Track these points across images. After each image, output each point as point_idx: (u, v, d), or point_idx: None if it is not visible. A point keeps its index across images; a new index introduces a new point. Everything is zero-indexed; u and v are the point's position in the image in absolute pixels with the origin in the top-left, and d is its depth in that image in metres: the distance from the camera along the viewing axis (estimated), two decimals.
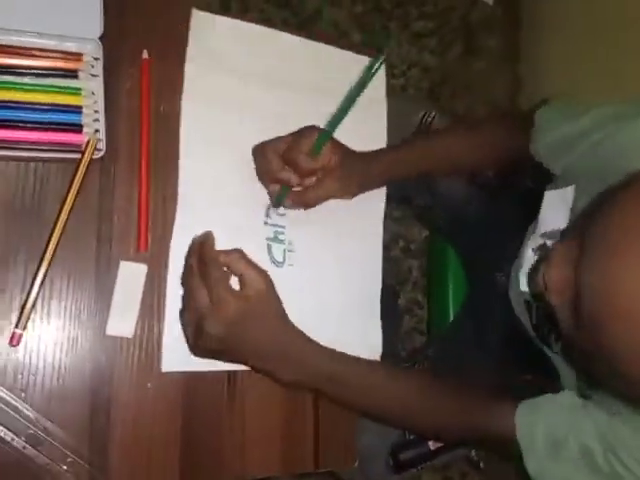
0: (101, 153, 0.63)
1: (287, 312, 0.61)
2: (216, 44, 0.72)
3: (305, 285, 0.72)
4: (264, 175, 0.70)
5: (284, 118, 0.74)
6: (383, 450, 0.75)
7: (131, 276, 0.61)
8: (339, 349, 0.63)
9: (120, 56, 0.67)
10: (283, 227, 0.73)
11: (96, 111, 0.63)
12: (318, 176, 0.69)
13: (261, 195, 0.71)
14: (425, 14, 1.77)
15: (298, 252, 0.73)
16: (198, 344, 0.59)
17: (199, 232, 0.60)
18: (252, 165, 0.71)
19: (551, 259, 0.45)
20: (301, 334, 0.62)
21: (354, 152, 0.72)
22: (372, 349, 0.75)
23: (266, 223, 0.72)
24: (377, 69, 0.58)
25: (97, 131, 0.63)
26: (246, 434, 0.66)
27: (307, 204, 0.71)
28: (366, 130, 0.80)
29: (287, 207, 0.71)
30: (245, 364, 0.62)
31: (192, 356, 0.62)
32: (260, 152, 0.69)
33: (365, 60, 0.81)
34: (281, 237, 0.72)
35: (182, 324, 0.61)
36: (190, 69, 0.70)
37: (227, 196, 0.70)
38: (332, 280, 0.75)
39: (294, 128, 0.69)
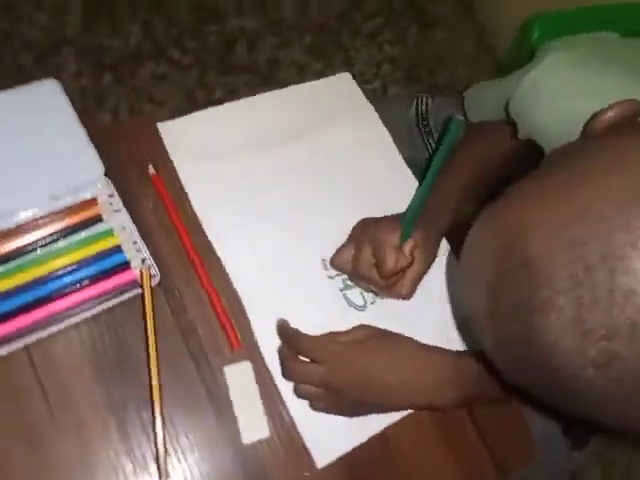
0: (157, 278, 0.62)
1: None
2: (194, 142, 0.72)
3: (397, 315, 0.68)
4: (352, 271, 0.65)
5: (298, 168, 0.73)
6: (557, 431, 0.70)
7: (240, 377, 0.59)
8: None
9: (129, 182, 0.67)
10: None
11: (135, 242, 0.62)
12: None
13: (311, 254, 0.69)
14: (369, 14, 1.78)
15: None
16: (342, 407, 0.58)
17: (274, 315, 0.63)
18: (286, 231, 0.69)
19: None
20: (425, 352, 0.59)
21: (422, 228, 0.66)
22: None
23: (331, 277, 0.69)
24: (456, 133, 0.53)
25: (144, 260, 0.62)
26: None
27: (408, 296, 0.65)
28: (372, 146, 0.78)
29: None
30: (400, 404, 0.60)
31: (340, 438, 0.60)
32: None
33: (335, 79, 0.81)
34: (351, 282, 0.69)
35: (311, 406, 0.60)
36: (183, 174, 0.70)
37: (279, 272, 0.68)
38: (423, 301, 0.70)
39: (312, 172, 0.69)
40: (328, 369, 0.57)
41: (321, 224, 0.71)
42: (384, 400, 0.58)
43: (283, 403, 0.61)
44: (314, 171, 0.74)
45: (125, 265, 0.62)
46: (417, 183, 0.76)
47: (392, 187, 0.75)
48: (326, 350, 0.58)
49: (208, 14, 1.65)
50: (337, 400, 0.58)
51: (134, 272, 0.62)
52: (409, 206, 0.62)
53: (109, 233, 0.63)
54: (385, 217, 0.67)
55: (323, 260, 0.69)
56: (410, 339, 0.60)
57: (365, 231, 0.65)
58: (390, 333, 0.61)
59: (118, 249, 0.63)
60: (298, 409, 0.61)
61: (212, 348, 0.61)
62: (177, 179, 0.69)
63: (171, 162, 0.70)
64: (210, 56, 1.57)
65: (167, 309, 0.62)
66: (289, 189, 0.72)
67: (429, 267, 0.66)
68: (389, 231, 0.62)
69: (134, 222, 0.63)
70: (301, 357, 0.59)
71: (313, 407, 0.60)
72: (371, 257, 0.63)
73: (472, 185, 0.71)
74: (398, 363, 0.58)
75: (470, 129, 0.74)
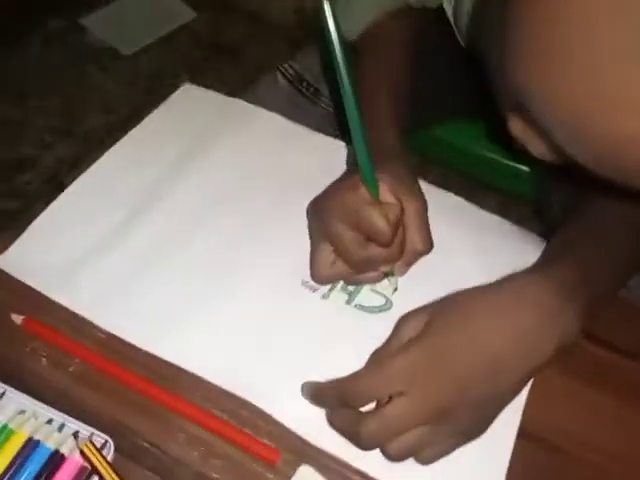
0: (110, 446, 0.40)
1: None
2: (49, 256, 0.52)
3: (434, 282, 0.48)
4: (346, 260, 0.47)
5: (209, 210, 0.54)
6: None
7: None
8: None
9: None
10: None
11: (49, 420, 0.40)
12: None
13: (290, 286, 0.50)
14: None
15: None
16: (459, 430, 0.39)
17: (291, 388, 0.43)
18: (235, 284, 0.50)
19: None
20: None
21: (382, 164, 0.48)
22: None
23: (325, 297, 0.49)
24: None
25: (76, 435, 0.40)
26: None
27: (427, 246, 0.47)
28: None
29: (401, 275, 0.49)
30: (523, 368, 0.40)
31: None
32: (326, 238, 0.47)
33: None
34: (351, 287, 0.50)
35: (421, 460, 0.40)
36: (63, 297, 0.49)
37: (267, 334, 0.47)
38: (452, 245, 0.53)
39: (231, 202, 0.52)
40: (415, 394, 0.37)
41: (277, 247, 0.52)
42: (501, 379, 0.39)
43: None
44: (234, 199, 0.55)
45: (58, 457, 0.39)
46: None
47: (327, 165, 0.57)
48: (392, 375, 0.38)
49: None
50: (449, 425, 0.38)
51: (75, 459, 0.39)
52: (355, 149, 0.43)
53: (8, 431, 0.40)
54: (330, 186, 0.49)
55: (304, 282, 0.50)
56: (472, 289, 0.42)
57: (323, 213, 0.47)
58: (441, 302, 0.42)
59: (34, 443, 0.40)
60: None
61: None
62: (58, 309, 0.47)
63: (39, 295, 0.48)
64: None
65: (149, 475, 0.40)
66: (212, 251, 0.52)
67: (424, 201, 0.48)
68: (351, 192, 0.44)
69: (31, 394, 0.41)
70: (364, 410, 0.39)
71: (425, 459, 0.39)
72: (354, 235, 0.44)
73: (397, 88, 0.56)
74: (488, 324, 0.39)
75: (364, 39, 0.59)
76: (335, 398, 0.40)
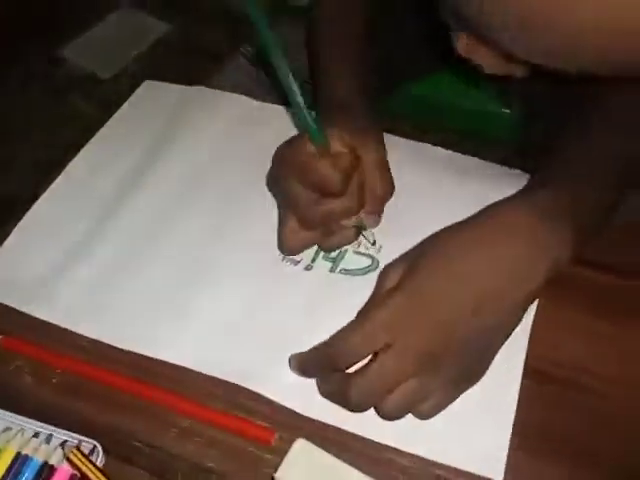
0: (99, 452, 0.38)
1: None
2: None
3: (418, 225, 0.44)
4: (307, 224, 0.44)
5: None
6: None
7: (308, 464, 0.35)
8: None
9: None
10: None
11: (36, 434, 0.39)
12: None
13: (268, 261, 0.48)
14: None
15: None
16: (451, 377, 0.37)
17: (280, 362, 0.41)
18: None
19: None
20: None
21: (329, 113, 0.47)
22: None
23: (308, 268, 0.47)
24: None
25: (63, 445, 0.38)
26: None
27: (388, 189, 0.45)
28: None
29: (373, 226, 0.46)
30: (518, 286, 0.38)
31: (485, 438, 0.38)
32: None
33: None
34: (332, 254, 0.48)
35: (419, 415, 0.38)
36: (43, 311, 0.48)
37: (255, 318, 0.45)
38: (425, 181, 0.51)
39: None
40: (400, 345, 0.35)
41: (254, 226, 0.50)
42: (488, 314, 0.37)
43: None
44: (205, 186, 0.54)
45: (47, 468, 0.38)
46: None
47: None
48: (373, 329, 0.36)
49: None
50: (441, 372, 0.36)
51: (65, 468, 0.38)
52: (291, 103, 0.41)
53: None
54: (278, 149, 0.46)
55: (285, 257, 0.48)
56: (450, 226, 0.40)
57: (278, 179, 0.45)
58: (419, 246, 0.40)
59: (23, 458, 0.38)
60: (412, 437, 0.38)
61: (243, 468, 0.38)
62: (36, 323, 0.46)
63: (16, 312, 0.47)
64: None
65: (144, 474, 0.38)
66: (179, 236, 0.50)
67: (382, 150, 0.45)
68: (299, 149, 0.42)
69: (17, 410, 0.40)
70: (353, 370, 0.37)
71: (423, 413, 0.37)
72: (309, 193, 0.42)
73: (354, 41, 0.54)
74: (467, 258, 0.37)
75: None
76: (320, 364, 0.38)
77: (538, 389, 0.40)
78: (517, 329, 0.40)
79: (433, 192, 0.50)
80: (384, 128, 0.49)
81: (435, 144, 0.54)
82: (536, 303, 0.43)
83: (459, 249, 0.37)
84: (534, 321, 0.43)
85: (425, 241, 0.40)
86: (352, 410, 0.37)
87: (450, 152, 0.54)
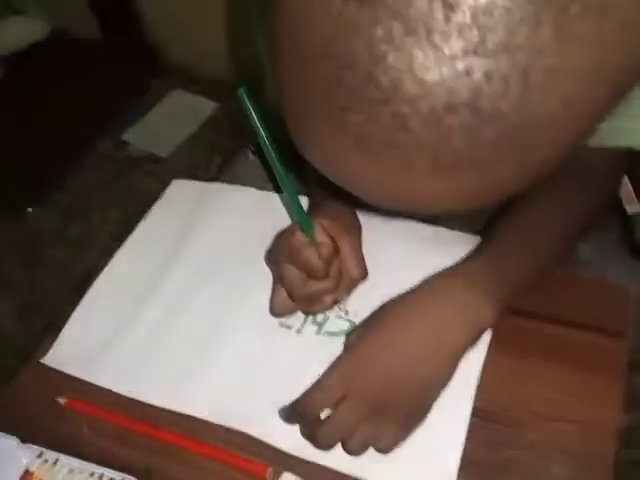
0: None
1: None
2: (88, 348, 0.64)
3: (385, 291, 0.55)
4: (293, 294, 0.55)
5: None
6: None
7: None
8: None
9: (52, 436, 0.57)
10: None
11: None
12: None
13: (267, 327, 0.60)
14: None
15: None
16: (401, 416, 0.47)
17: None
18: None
19: None
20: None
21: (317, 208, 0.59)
22: None
23: (299, 331, 0.59)
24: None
25: None
26: None
27: (361, 273, 0.56)
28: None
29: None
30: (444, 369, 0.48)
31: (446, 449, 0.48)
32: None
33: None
34: (318, 318, 0.59)
35: (378, 449, 0.47)
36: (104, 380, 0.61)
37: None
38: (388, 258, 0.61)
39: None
40: (353, 397, 0.46)
41: (257, 298, 0.61)
42: (423, 368, 0.47)
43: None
44: (220, 270, 0.66)
45: None
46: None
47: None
48: (330, 386, 0.47)
49: None
50: (390, 415, 0.46)
51: None
52: (287, 200, 0.53)
53: None
54: (277, 235, 0.59)
55: (281, 323, 0.59)
56: (397, 296, 0.50)
57: (275, 257, 0.56)
58: (371, 315, 0.51)
59: None
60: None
61: None
62: (93, 388, 0.59)
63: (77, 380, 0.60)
64: None
65: None
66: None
67: (357, 235, 0.57)
68: (291, 237, 0.54)
69: (78, 456, 0.53)
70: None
71: (383, 448, 0.47)
72: (299, 273, 0.54)
73: None
74: (403, 323, 0.48)
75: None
76: (295, 414, 0.48)
77: (485, 427, 0.50)
78: (466, 376, 0.49)
79: (403, 262, 0.61)
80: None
81: None
82: (485, 352, 0.53)
83: (398, 321, 0.48)
84: (483, 367, 0.52)
85: (375, 312, 0.50)
86: (321, 449, 0.47)
87: (409, 222, 0.64)
